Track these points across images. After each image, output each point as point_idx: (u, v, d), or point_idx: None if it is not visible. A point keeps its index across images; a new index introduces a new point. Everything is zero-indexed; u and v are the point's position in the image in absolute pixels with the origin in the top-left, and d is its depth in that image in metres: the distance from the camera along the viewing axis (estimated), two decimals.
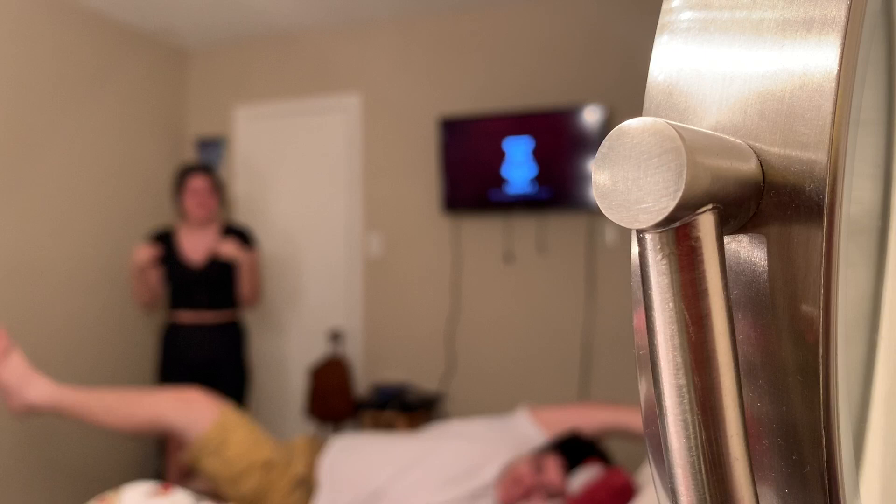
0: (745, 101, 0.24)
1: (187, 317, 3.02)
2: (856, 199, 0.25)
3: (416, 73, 3.42)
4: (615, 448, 2.67)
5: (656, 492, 0.28)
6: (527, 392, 3.19)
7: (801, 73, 0.23)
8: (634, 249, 0.26)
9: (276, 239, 3.71)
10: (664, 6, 0.27)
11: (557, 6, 3.18)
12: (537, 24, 3.22)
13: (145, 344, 3.44)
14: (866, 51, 0.23)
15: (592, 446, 2.05)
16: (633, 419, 2.18)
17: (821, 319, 0.22)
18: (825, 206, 0.22)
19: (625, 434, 2.23)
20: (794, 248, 0.23)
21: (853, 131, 0.23)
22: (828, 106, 0.22)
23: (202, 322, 3.02)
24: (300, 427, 3.58)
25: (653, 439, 0.27)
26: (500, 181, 3.15)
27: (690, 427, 0.21)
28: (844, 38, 0.22)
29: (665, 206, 0.20)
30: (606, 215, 0.22)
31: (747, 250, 0.24)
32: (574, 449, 2.01)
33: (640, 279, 0.25)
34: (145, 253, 2.92)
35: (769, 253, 0.23)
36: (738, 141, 0.23)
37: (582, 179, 3.02)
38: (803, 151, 0.22)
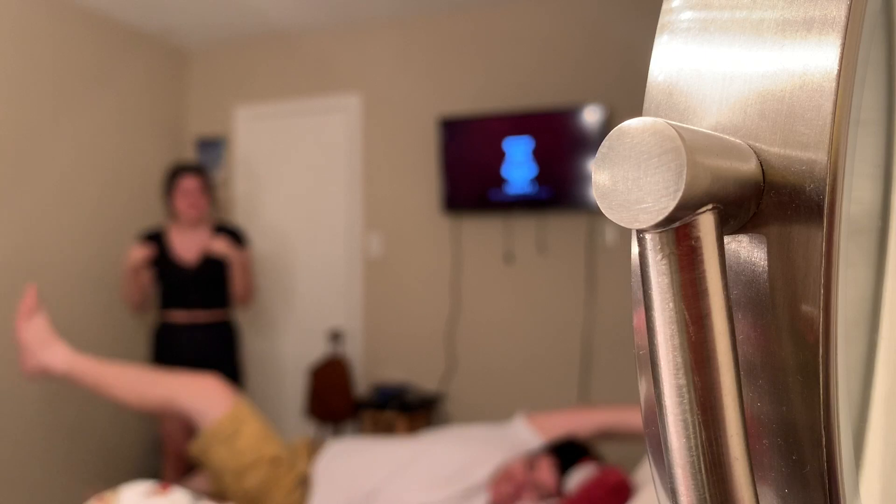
0: (745, 101, 0.24)
1: (180, 316, 3.02)
2: (856, 199, 0.25)
3: (416, 73, 3.42)
4: (610, 451, 2.67)
5: (656, 492, 0.28)
6: (527, 392, 3.19)
7: (801, 73, 0.23)
8: (634, 249, 0.26)
9: (276, 239, 3.71)
10: (664, 6, 0.27)
11: (557, 6, 3.18)
12: (537, 24, 3.22)
13: (137, 344, 3.43)
14: (866, 51, 0.23)
15: (586, 449, 2.05)
16: (630, 418, 2.18)
17: (821, 319, 0.22)
18: (825, 206, 0.22)
19: (623, 434, 2.23)
20: (794, 248, 0.23)
21: (853, 131, 0.23)
22: (828, 106, 0.22)
23: (195, 322, 3.02)
24: (300, 427, 3.58)
25: (653, 439, 0.27)
26: (500, 181, 3.15)
27: (690, 427, 0.21)
28: (844, 38, 0.22)
29: (665, 206, 0.20)
30: (606, 215, 0.22)
31: (747, 250, 0.24)
32: (568, 451, 2.01)
33: (640, 279, 0.25)
34: (140, 253, 2.92)
35: (769, 253, 0.23)
36: (738, 141, 0.23)
37: (582, 179, 3.02)
38: (803, 151, 0.22)
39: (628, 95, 3.00)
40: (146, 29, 3.54)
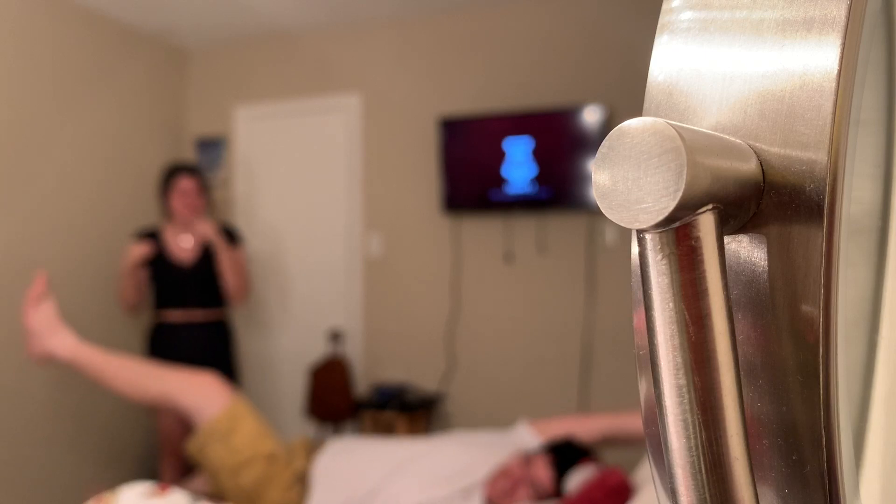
0: (745, 101, 0.24)
1: (176, 316, 3.02)
2: (856, 199, 0.25)
3: (416, 73, 3.42)
4: (610, 451, 2.67)
5: (656, 492, 0.28)
6: (527, 392, 3.19)
7: (801, 73, 0.23)
8: (634, 249, 0.26)
9: (276, 239, 3.72)
10: (664, 6, 0.27)
11: (557, 6, 3.18)
12: (537, 24, 3.22)
13: (132, 344, 3.43)
14: (866, 51, 0.23)
15: (586, 450, 2.05)
16: (633, 423, 2.18)
17: (821, 319, 0.22)
18: (825, 206, 0.22)
19: (625, 440, 2.23)
20: (794, 248, 0.23)
21: (853, 131, 0.23)
22: (828, 106, 0.22)
23: (191, 321, 3.02)
24: (300, 427, 3.58)
25: (653, 439, 0.27)
26: (500, 181, 3.15)
27: (690, 427, 0.21)
28: (844, 38, 0.22)
29: (665, 206, 0.20)
30: (606, 215, 0.22)
31: (747, 250, 0.24)
32: (566, 451, 2.02)
33: (640, 279, 0.25)
34: (141, 251, 2.92)
35: (769, 253, 0.23)
36: (738, 141, 0.23)
37: (582, 179, 3.02)
38: (803, 151, 0.22)
39: (628, 95, 3.00)
40: (146, 29, 3.54)
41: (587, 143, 3.01)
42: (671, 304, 0.21)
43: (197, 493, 2.03)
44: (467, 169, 3.22)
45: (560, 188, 3.05)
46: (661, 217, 0.20)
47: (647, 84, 0.27)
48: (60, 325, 2.20)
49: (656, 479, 0.28)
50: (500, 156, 3.15)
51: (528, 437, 2.25)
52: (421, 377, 3.38)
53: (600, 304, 3.09)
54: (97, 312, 3.28)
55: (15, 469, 2.87)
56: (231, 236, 3.10)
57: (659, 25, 0.27)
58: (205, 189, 3.09)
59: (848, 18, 0.22)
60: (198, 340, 3.04)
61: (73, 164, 3.18)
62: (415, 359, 3.41)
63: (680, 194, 0.20)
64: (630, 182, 0.21)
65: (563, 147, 3.07)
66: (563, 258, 3.15)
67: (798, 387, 0.23)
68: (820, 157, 0.22)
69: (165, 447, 3.05)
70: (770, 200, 0.23)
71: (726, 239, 0.24)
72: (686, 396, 0.21)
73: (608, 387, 3.05)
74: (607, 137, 0.22)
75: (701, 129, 0.22)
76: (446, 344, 3.35)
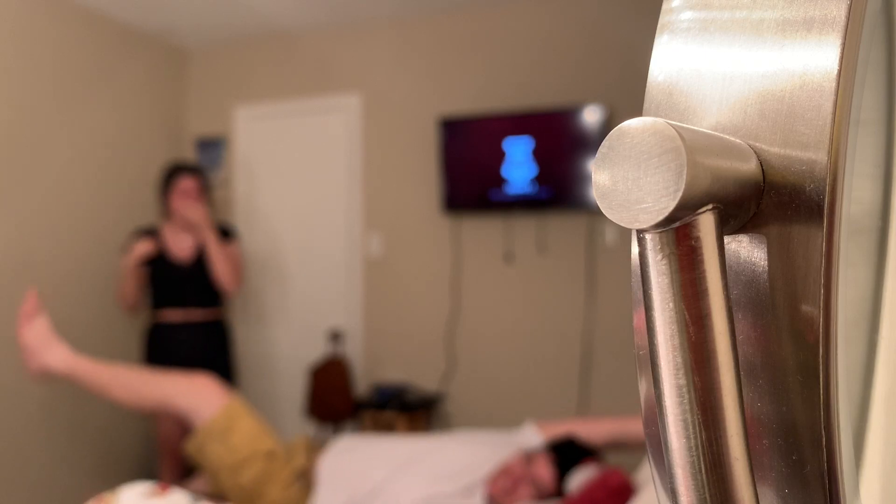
0: (745, 101, 0.24)
1: (173, 315, 3.01)
2: (856, 199, 0.25)
3: (416, 73, 3.42)
4: (611, 453, 2.67)
5: (656, 492, 0.28)
6: (527, 392, 3.19)
7: (801, 73, 0.23)
8: (634, 249, 0.26)
9: (276, 238, 3.72)
10: (664, 6, 0.27)
11: (557, 6, 3.18)
12: (537, 24, 3.22)
13: (130, 344, 3.43)
14: (866, 51, 0.23)
15: (588, 449, 2.05)
16: (638, 427, 2.18)
17: (821, 319, 0.22)
18: (825, 206, 0.22)
19: (631, 443, 2.23)
20: (794, 248, 0.23)
21: (853, 131, 0.23)
22: (828, 106, 0.22)
23: (188, 320, 3.02)
24: (300, 427, 3.58)
25: (653, 439, 0.27)
26: (500, 181, 3.15)
27: (690, 427, 0.21)
28: (844, 38, 0.22)
29: (665, 206, 0.20)
30: (606, 215, 0.22)
31: (747, 250, 0.24)
32: (568, 450, 2.02)
33: (640, 279, 0.25)
34: (145, 249, 2.92)
35: (769, 253, 0.23)
36: (738, 141, 0.23)
37: (582, 179, 3.02)
38: (803, 151, 0.22)
39: (628, 95, 3.00)
40: (146, 29, 3.54)
41: (587, 143, 3.01)
42: (671, 304, 0.21)
43: (197, 493, 2.03)
44: (467, 169, 3.22)
45: (560, 188, 3.05)
46: (661, 217, 0.20)
47: (647, 84, 0.27)
48: (55, 339, 2.21)
49: (656, 479, 0.28)
50: (500, 156, 3.15)
51: (531, 436, 2.25)
52: (421, 377, 3.38)
53: (600, 304, 3.09)
54: (96, 313, 3.28)
55: (14, 471, 2.87)
56: (225, 233, 3.10)
57: (659, 25, 0.27)
58: (205, 189, 3.09)
59: (848, 18, 0.22)
60: (195, 340, 3.03)
61: (73, 164, 3.18)
62: (415, 359, 3.41)
63: (680, 194, 0.20)
64: (630, 182, 0.21)
65: (563, 147, 3.07)
66: (563, 258, 3.15)
67: (798, 387, 0.23)
68: (820, 157, 0.22)
69: (164, 449, 3.05)
70: (770, 200, 0.23)
71: (726, 239, 0.24)
72: (686, 396, 0.21)
73: (608, 387, 3.05)
74: (607, 137, 0.22)
75: (701, 129, 0.22)
76: (446, 344, 3.35)
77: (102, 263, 3.29)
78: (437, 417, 3.33)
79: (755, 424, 0.24)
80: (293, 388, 3.64)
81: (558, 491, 1.95)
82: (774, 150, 0.23)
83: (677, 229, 0.21)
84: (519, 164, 3.11)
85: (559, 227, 3.15)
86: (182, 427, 2.79)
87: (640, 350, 0.27)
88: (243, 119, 3.78)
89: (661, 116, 0.25)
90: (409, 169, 3.43)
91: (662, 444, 0.22)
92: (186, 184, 2.99)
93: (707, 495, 0.21)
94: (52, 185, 3.08)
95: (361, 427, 3.29)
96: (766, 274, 0.23)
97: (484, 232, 3.28)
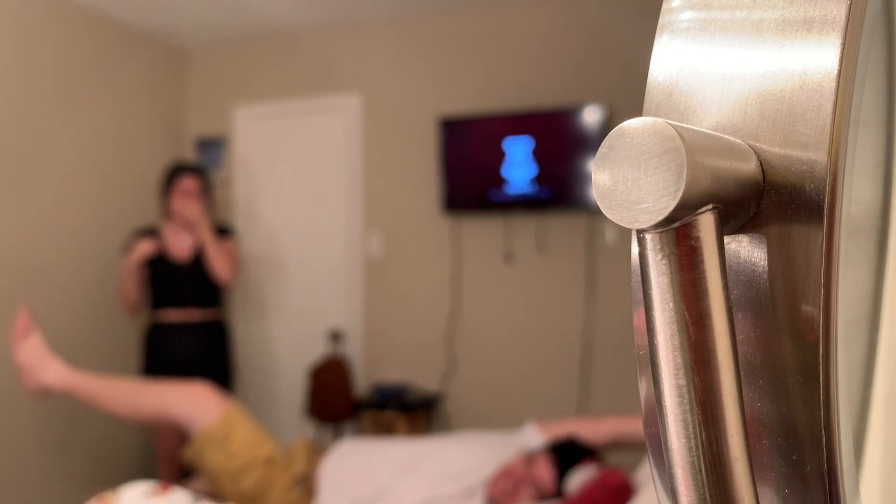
0: (745, 101, 0.24)
1: (172, 315, 3.01)
2: (856, 199, 0.25)
3: (416, 73, 3.42)
4: (611, 453, 2.67)
5: (656, 492, 0.28)
6: (527, 392, 3.19)
7: (801, 73, 0.23)
8: (634, 249, 0.26)
9: (276, 239, 3.72)
10: (664, 6, 0.27)
11: (557, 6, 3.18)
12: (537, 24, 3.22)
13: (129, 345, 3.43)
14: (866, 51, 0.23)
15: (588, 450, 2.05)
16: (638, 426, 2.18)
17: (821, 319, 0.22)
18: (825, 206, 0.22)
19: (633, 443, 2.23)
20: (794, 248, 0.23)
21: (853, 131, 0.23)
22: (828, 106, 0.22)
23: (187, 321, 3.01)
24: (299, 427, 3.58)
25: (653, 439, 0.27)
26: (500, 181, 3.15)
27: (690, 427, 0.21)
28: (844, 38, 0.22)
29: (665, 206, 0.20)
30: (606, 215, 0.22)
31: (747, 250, 0.24)
32: (568, 451, 2.02)
33: (640, 279, 0.25)
34: (147, 248, 2.92)
35: (769, 253, 0.23)
36: (738, 141, 0.23)
37: (582, 179, 3.02)
38: (803, 151, 0.22)
39: (628, 95, 3.00)
40: (146, 29, 3.54)
41: (587, 143, 3.01)
42: (671, 304, 0.21)
43: (198, 493, 2.03)
44: (467, 169, 3.22)
45: (560, 188, 3.05)
46: (661, 217, 0.20)
47: (647, 84, 0.27)
48: (50, 356, 2.21)
49: (656, 479, 0.28)
50: (500, 156, 3.15)
51: (532, 437, 2.25)
52: (421, 377, 3.38)
53: (600, 304, 3.09)
54: (96, 313, 3.28)
55: (13, 472, 2.87)
56: (223, 231, 3.09)
57: (659, 25, 0.27)
58: (206, 189, 3.09)
59: (848, 18, 0.22)
60: (194, 340, 3.03)
61: (73, 164, 3.18)
62: (415, 359, 3.41)
63: (680, 194, 0.20)
64: (630, 182, 0.21)
65: (563, 147, 3.07)
66: (563, 258, 3.15)
67: (798, 387, 0.23)
68: (820, 157, 0.22)
69: (163, 453, 3.04)
70: (770, 200, 0.23)
71: (726, 239, 0.24)
72: (686, 396, 0.21)
73: (608, 387, 3.05)
74: (607, 137, 0.22)
75: (701, 129, 0.22)
76: (446, 344, 3.35)
77: (102, 264, 3.29)
78: (437, 417, 3.33)
79: (755, 424, 0.24)
80: (293, 388, 3.64)
81: (558, 491, 1.95)
82: (774, 150, 0.23)
83: (677, 229, 0.21)
84: (519, 164, 3.11)
85: (559, 227, 3.15)
86: (181, 432, 2.79)
87: (640, 350, 0.27)
88: (243, 119, 3.78)
89: (661, 116, 0.25)
90: (409, 169, 3.43)
91: (662, 444, 0.22)
92: (187, 184, 2.99)
93: (707, 495, 0.21)
94: (52, 185, 3.08)
95: (361, 427, 3.29)
96: (766, 274, 0.23)
97: (484, 232, 3.28)
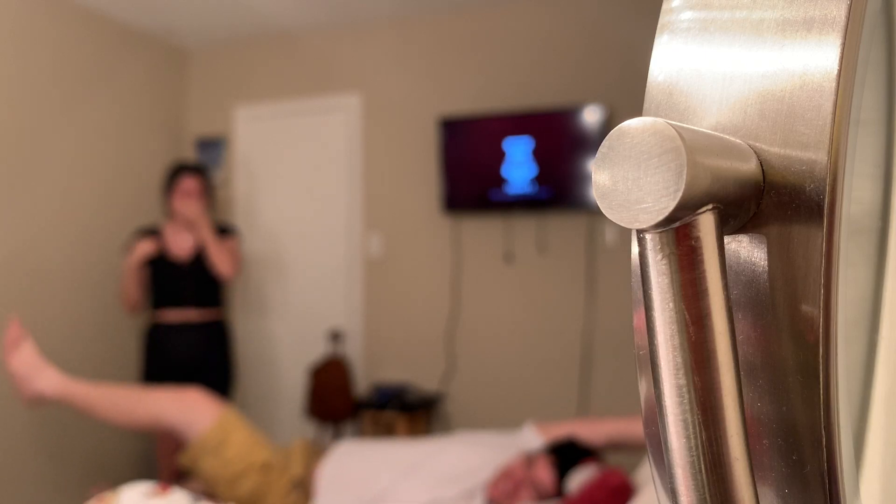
0: (745, 101, 0.24)
1: (172, 315, 3.00)
2: (856, 199, 0.25)
3: (416, 73, 3.42)
4: (611, 453, 2.67)
5: (656, 492, 0.28)
6: (527, 392, 3.19)
7: (801, 73, 0.23)
8: (634, 249, 0.26)
9: (276, 239, 3.72)
10: (664, 6, 0.27)
11: (557, 6, 3.18)
12: (537, 24, 3.22)
13: (130, 344, 3.43)
14: (866, 51, 0.23)
15: (587, 450, 2.05)
16: (639, 427, 2.18)
17: (821, 319, 0.22)
18: (825, 206, 0.22)
19: (631, 444, 2.23)
20: (794, 248, 0.23)
21: (853, 131, 0.23)
22: (828, 106, 0.22)
23: (187, 321, 3.00)
24: (299, 427, 3.58)
25: (653, 439, 0.27)
26: (500, 181, 3.15)
27: (690, 427, 0.21)
28: (844, 38, 0.22)
29: (665, 206, 0.20)
30: (606, 215, 0.22)
31: (747, 250, 0.24)
32: (568, 451, 2.02)
33: (640, 279, 0.25)
34: (147, 248, 2.91)
35: (769, 253, 0.23)
36: (738, 141, 0.23)
37: (582, 179, 3.02)
38: (803, 151, 0.22)
39: (628, 95, 3.00)
40: (146, 29, 3.54)
41: (587, 143, 3.01)
42: (671, 304, 0.21)
43: (197, 493, 2.03)
44: (467, 169, 3.22)
45: (560, 188, 3.05)
46: (661, 217, 0.20)
47: (647, 84, 0.27)
48: (43, 364, 2.21)
49: (656, 479, 0.28)
50: (500, 156, 3.15)
51: (533, 437, 2.25)
52: (421, 377, 3.38)
53: (600, 304, 3.09)
54: (96, 313, 3.28)
55: (13, 472, 2.87)
56: (224, 230, 3.09)
57: (659, 25, 0.27)
58: (208, 189, 3.08)
59: (848, 18, 0.22)
60: (195, 341, 3.03)
61: (73, 165, 3.18)
62: (415, 359, 3.41)
63: (680, 194, 0.20)
64: (630, 182, 0.21)
65: (563, 147, 3.07)
66: (563, 258, 3.15)
67: (798, 387, 0.23)
68: (820, 157, 0.22)
69: (163, 452, 3.04)
70: (770, 200, 0.23)
71: (726, 239, 0.24)
72: (686, 396, 0.21)
73: (608, 387, 3.05)
74: (607, 137, 0.22)
75: (701, 129, 0.22)
76: (446, 344, 3.35)
77: (103, 264, 3.29)
78: (437, 417, 3.33)
79: (755, 424, 0.24)
80: (293, 388, 3.64)
81: (558, 492, 1.95)
82: (774, 150, 0.23)
83: (677, 229, 0.21)
84: (519, 164, 3.11)
85: (559, 227, 3.15)
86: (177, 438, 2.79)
87: (640, 350, 0.27)
88: (243, 119, 3.78)
89: (661, 116, 0.25)
90: (409, 169, 3.43)
91: (662, 444, 0.22)
92: (188, 183, 2.99)
93: (707, 495, 0.21)
94: (52, 185, 3.08)
95: (361, 427, 3.29)
96: (766, 274, 0.23)
97: (484, 232, 3.28)
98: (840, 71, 0.22)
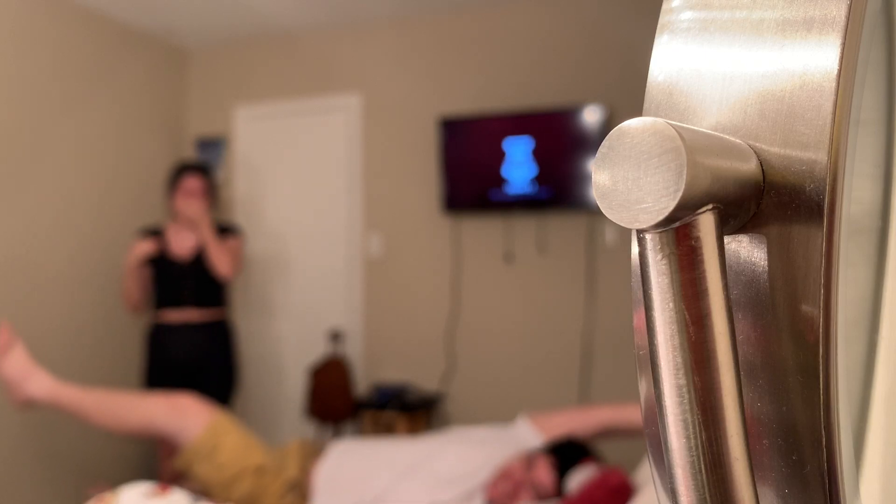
0: (745, 101, 0.24)
1: (173, 316, 3.00)
2: (856, 199, 0.25)
3: (416, 73, 3.42)
4: (611, 449, 2.67)
5: (656, 492, 0.28)
6: (527, 392, 3.19)
7: (801, 73, 0.23)
8: (634, 249, 0.26)
9: (276, 239, 3.71)
10: (664, 6, 0.27)
11: (557, 6, 3.18)
12: (537, 24, 3.22)
13: (132, 345, 3.42)
14: (866, 51, 0.23)
15: (587, 449, 2.05)
16: (631, 414, 2.18)
17: (821, 319, 0.22)
18: (825, 206, 0.22)
19: (625, 431, 2.23)
20: (794, 248, 0.23)
21: (853, 131, 0.23)
22: (828, 106, 0.22)
23: (188, 321, 3.00)
24: (300, 427, 3.58)
25: (653, 439, 0.27)
26: (500, 181, 3.15)
27: (690, 427, 0.21)
28: (844, 38, 0.22)
29: (665, 206, 0.20)
30: (606, 215, 0.22)
31: (747, 250, 0.24)
32: (567, 451, 2.02)
33: (640, 279, 0.25)
34: (144, 248, 2.91)
35: (769, 253, 0.23)
36: (738, 141, 0.23)
37: (582, 179, 3.02)
38: (803, 151, 0.22)
39: (628, 95, 3.00)
40: (146, 29, 3.54)
41: (587, 143, 3.01)
42: (671, 304, 0.21)
43: (197, 494, 2.03)
44: (467, 169, 3.22)
45: (560, 188, 3.05)
46: (661, 217, 0.20)
47: (647, 84, 0.27)
48: (34, 368, 2.19)
49: (656, 479, 0.28)
50: (500, 156, 3.15)
51: (528, 434, 2.24)
52: (421, 377, 3.38)
53: (600, 304, 3.09)
54: (98, 313, 3.28)
55: (13, 472, 2.87)
56: (226, 230, 3.08)
57: (659, 25, 0.27)
58: (211, 189, 3.08)
59: (848, 18, 0.22)
60: (198, 341, 3.02)
61: (73, 165, 3.18)
62: (415, 359, 3.41)
63: (680, 194, 0.20)
64: (630, 182, 0.21)
65: (563, 147, 3.07)
66: (563, 258, 3.15)
67: (798, 387, 0.23)
68: (820, 157, 0.22)
69: (164, 452, 3.04)
70: (770, 200, 0.23)
71: (726, 239, 0.24)
72: (686, 396, 0.21)
73: (608, 387, 3.05)
74: (607, 137, 0.22)
75: (701, 129, 0.22)
76: (446, 344, 3.35)
77: (103, 263, 3.29)
78: (437, 417, 3.33)
79: (755, 424, 0.24)
80: (293, 388, 3.64)
81: (558, 492, 1.95)
82: (774, 150, 0.23)
83: (677, 229, 0.21)
84: (519, 164, 3.11)
85: (559, 227, 3.15)
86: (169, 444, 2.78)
87: (640, 350, 0.27)
88: (243, 119, 3.78)
89: (661, 116, 0.25)
90: (409, 169, 3.43)
91: (662, 444, 0.22)
92: (190, 183, 2.99)
93: (707, 495, 0.21)
94: (52, 185, 3.08)
95: (361, 427, 3.29)
96: (766, 274, 0.23)
97: (484, 232, 3.28)
98: (840, 71, 0.22)
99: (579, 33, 3.15)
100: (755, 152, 0.23)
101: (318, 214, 3.65)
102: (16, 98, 2.91)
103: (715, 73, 0.25)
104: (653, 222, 0.21)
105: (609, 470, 1.90)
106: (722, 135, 0.23)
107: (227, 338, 3.13)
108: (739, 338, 0.24)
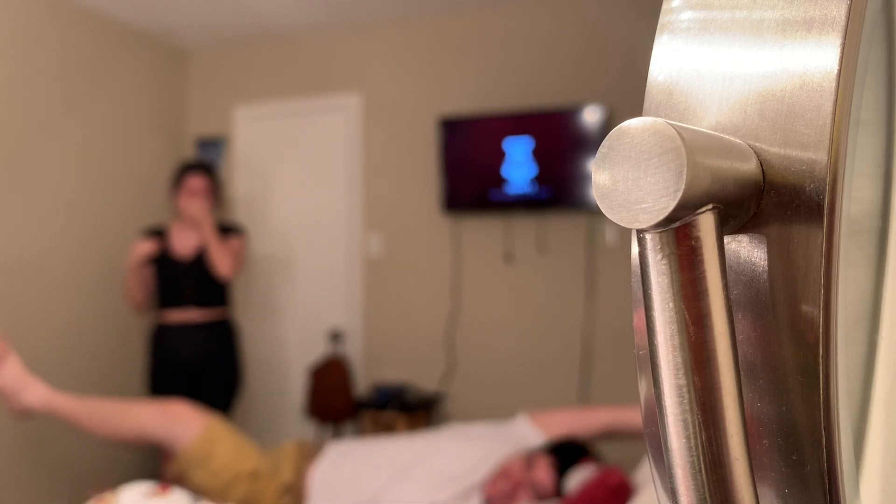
0: (745, 101, 0.24)
1: (176, 316, 2.99)
2: (856, 199, 0.25)
3: (416, 73, 3.42)
4: (611, 449, 2.67)
5: (656, 492, 0.28)
6: (527, 392, 3.19)
7: (801, 73, 0.23)
8: (634, 249, 0.26)
9: (276, 239, 3.71)
10: (664, 6, 0.27)
11: (557, 6, 3.18)
12: (537, 24, 3.22)
13: (136, 345, 3.42)
14: (866, 51, 0.23)
15: (586, 449, 2.05)
16: (632, 416, 2.18)
17: (821, 319, 0.22)
18: (825, 206, 0.22)
19: (626, 433, 2.23)
20: (794, 248, 0.23)
21: (853, 131, 0.23)
22: (828, 106, 0.22)
23: (191, 321, 2.99)
24: (300, 427, 3.58)
25: (653, 439, 0.27)
26: (500, 181, 3.15)
27: (690, 427, 0.21)
28: (844, 38, 0.22)
29: (665, 206, 0.20)
30: (606, 215, 0.22)
31: (747, 250, 0.24)
32: (567, 451, 2.01)
33: (640, 279, 0.25)
34: (145, 248, 2.91)
35: (769, 253, 0.23)
36: (738, 141, 0.23)
37: (582, 179, 3.02)
38: (803, 151, 0.22)
39: (628, 95, 3.00)
40: (146, 29, 3.54)
41: (587, 143, 3.01)
42: (671, 304, 0.21)
43: (197, 494, 2.03)
44: (467, 169, 3.22)
45: (560, 188, 3.05)
46: (661, 217, 0.20)
47: (647, 84, 0.27)
48: (29, 377, 2.19)
49: (656, 479, 0.28)
50: (500, 156, 3.15)
51: (528, 432, 2.24)
52: (421, 377, 3.38)
53: (600, 304, 3.09)
54: (100, 313, 3.28)
55: (12, 478, 2.87)
56: (228, 229, 3.08)
57: (659, 25, 0.27)
58: (214, 188, 3.07)
59: (848, 18, 0.22)
60: (199, 341, 3.02)
61: (73, 165, 3.18)
62: (415, 359, 3.41)
63: (680, 194, 0.20)
64: (630, 182, 0.21)
65: (563, 147, 3.07)
66: (563, 258, 3.15)
67: (798, 387, 0.23)
68: (820, 157, 0.22)
69: (166, 451, 3.04)
70: (770, 200, 0.23)
71: (726, 239, 0.24)
72: (686, 396, 0.21)
73: (608, 387, 3.05)
74: (607, 137, 0.22)
75: (701, 129, 0.22)
76: (446, 344, 3.35)
77: (104, 263, 3.29)
78: (437, 417, 3.33)
79: (755, 424, 0.24)
80: (293, 389, 3.64)
81: (557, 492, 1.95)
82: (774, 150, 0.23)
83: (677, 229, 0.21)
84: (519, 164, 3.11)
85: (559, 227, 3.15)
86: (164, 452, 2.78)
87: (640, 350, 0.27)
88: (243, 119, 3.78)
89: (661, 116, 0.25)
90: (409, 169, 3.43)
91: (662, 444, 0.22)
92: (193, 182, 2.99)
93: (707, 495, 0.21)
94: (52, 185, 3.08)
95: (361, 427, 3.29)
96: (766, 274, 0.23)
97: (484, 232, 3.28)
98: (840, 71, 0.22)
99: (579, 33, 3.15)
100: (755, 152, 0.23)
101: (319, 214, 3.65)
102: (16, 98, 2.91)
103: (715, 73, 0.25)
104: (653, 222, 0.21)
105: (608, 470, 1.90)
106: (722, 135, 0.23)
107: (230, 337, 3.12)
108: (739, 338, 0.24)
